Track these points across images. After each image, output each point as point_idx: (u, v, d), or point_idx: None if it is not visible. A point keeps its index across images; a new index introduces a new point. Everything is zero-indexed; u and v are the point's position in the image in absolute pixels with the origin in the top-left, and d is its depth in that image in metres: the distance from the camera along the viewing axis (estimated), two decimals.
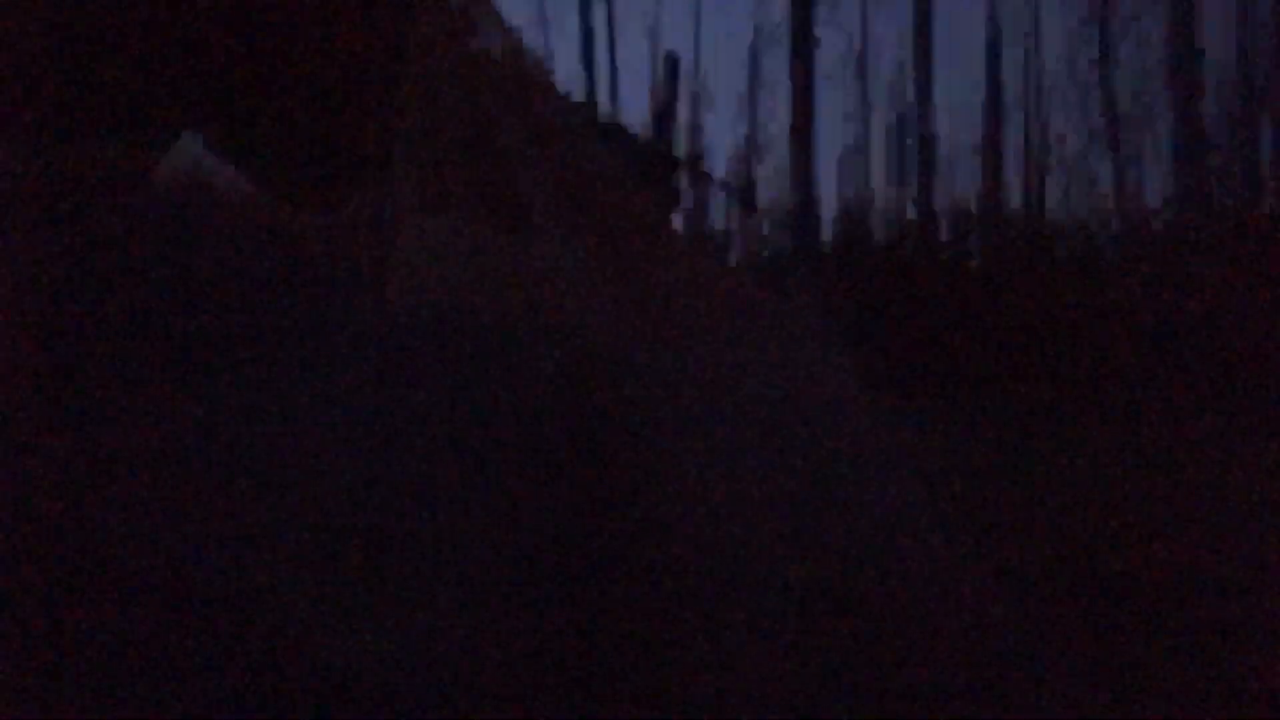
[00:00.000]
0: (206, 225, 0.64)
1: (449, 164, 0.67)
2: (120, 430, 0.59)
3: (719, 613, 0.62)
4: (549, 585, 0.60)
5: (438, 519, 0.59)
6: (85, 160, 0.65)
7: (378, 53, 0.70)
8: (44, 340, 0.61)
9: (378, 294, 0.63)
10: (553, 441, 0.61)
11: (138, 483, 0.58)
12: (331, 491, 0.59)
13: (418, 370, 0.61)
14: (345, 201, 0.67)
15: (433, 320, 0.63)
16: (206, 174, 0.66)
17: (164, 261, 0.62)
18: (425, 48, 0.71)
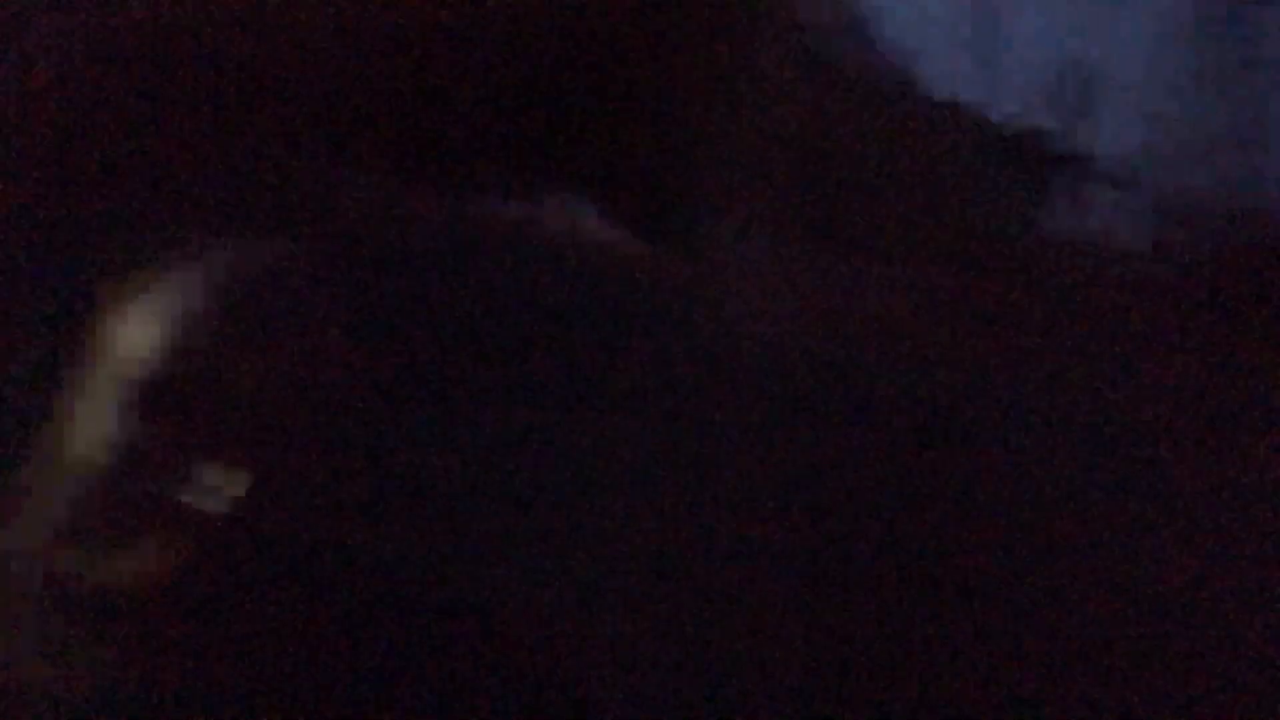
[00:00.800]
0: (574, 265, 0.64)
1: (774, 174, 0.62)
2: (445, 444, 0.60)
3: None
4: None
5: (744, 584, 0.55)
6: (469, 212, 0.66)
7: (712, 61, 0.67)
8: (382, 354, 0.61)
9: (690, 326, 0.59)
10: (899, 509, 0.54)
11: (446, 492, 0.58)
12: (634, 531, 0.56)
13: (731, 414, 0.56)
14: (668, 226, 0.64)
15: (753, 358, 0.58)
16: (580, 220, 0.66)
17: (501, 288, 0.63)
18: (754, 36, 0.67)
